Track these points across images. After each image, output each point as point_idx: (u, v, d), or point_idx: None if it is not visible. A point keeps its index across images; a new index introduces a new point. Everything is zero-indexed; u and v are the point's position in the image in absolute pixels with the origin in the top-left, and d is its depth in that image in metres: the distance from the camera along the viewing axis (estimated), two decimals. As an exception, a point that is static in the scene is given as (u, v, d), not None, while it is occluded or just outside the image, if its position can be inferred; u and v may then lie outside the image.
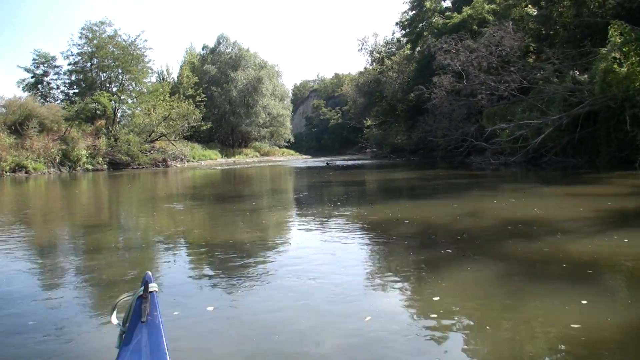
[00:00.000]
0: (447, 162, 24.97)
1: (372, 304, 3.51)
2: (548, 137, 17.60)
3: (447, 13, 34.56)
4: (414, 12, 37.86)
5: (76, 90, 37.69)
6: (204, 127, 41.17)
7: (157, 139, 36.64)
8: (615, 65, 15.82)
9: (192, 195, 13.91)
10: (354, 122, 52.90)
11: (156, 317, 1.77)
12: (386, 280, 4.18)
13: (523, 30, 23.39)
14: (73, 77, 38.24)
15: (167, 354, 1.70)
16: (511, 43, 21.19)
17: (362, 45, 48.12)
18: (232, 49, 54.05)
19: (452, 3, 37.44)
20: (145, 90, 38.81)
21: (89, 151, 30.33)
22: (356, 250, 5.46)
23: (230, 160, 44.83)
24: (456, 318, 3.22)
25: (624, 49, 15.99)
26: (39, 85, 37.57)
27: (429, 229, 6.56)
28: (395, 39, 47.62)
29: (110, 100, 34.67)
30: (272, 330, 3.07)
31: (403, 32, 40.76)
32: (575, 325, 2.93)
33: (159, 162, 34.00)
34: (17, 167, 25.26)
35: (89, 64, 37.23)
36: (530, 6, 25.34)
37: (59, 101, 36.97)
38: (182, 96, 41.59)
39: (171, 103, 38.66)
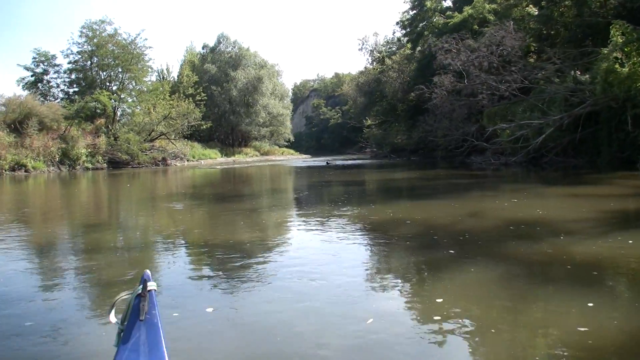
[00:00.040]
0: (448, 162, 24.92)
1: (374, 306, 3.47)
2: (549, 137, 17.55)
3: (448, 13, 34.48)
4: (414, 11, 37.79)
5: (76, 89, 37.62)
6: (204, 126, 41.10)
7: (157, 138, 36.59)
8: (617, 66, 15.76)
9: (192, 194, 13.86)
10: (354, 121, 52.79)
11: (154, 315, 1.77)
12: (388, 282, 4.14)
13: (524, 30, 23.34)
14: (73, 76, 38.18)
15: (166, 352, 1.70)
16: (512, 43, 21.14)
17: (363, 44, 48.15)
18: (232, 48, 53.97)
19: (453, 3, 37.37)
20: (145, 89, 38.74)
21: (89, 150, 30.27)
22: (357, 251, 5.41)
23: (230, 159, 44.79)
24: (460, 321, 3.17)
25: (625, 49, 15.94)
26: (39, 84, 37.52)
27: (431, 229, 6.51)
28: (395, 39, 47.59)
29: (110, 99, 34.58)
30: (272, 332, 3.02)
31: (404, 31, 40.70)
32: (582, 329, 2.87)
33: (159, 161, 33.94)
34: (16, 166, 25.21)
35: (89, 62, 37.16)
36: (531, 6, 25.30)
37: (58, 100, 36.92)
38: (182, 95, 41.51)
39: (171, 102, 38.59)
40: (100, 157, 30.77)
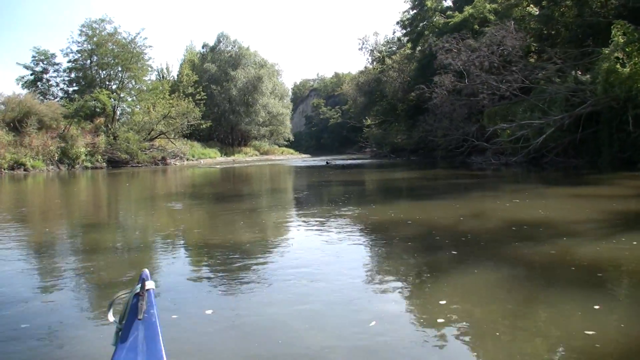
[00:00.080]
0: (448, 162, 24.87)
1: (376, 307, 3.41)
2: (549, 137, 17.50)
3: (448, 12, 34.44)
4: (414, 11, 37.72)
5: (75, 88, 37.56)
6: (204, 126, 41.05)
7: (156, 137, 36.51)
8: (618, 66, 15.72)
9: (192, 194, 13.80)
10: (353, 121, 52.72)
11: (152, 314, 1.78)
12: (390, 283, 4.08)
13: (525, 29, 23.28)
14: (72, 75, 38.11)
15: (163, 351, 1.71)
16: (513, 42, 21.09)
17: (363, 44, 48.06)
18: (232, 48, 53.90)
19: (453, 2, 37.31)
20: (145, 88, 38.70)
21: (88, 149, 30.21)
22: (358, 252, 5.35)
23: (230, 158, 44.73)
24: (464, 323, 3.12)
25: (626, 49, 15.90)
26: (38, 83, 37.48)
27: (432, 229, 6.46)
28: (396, 38, 47.47)
29: (110, 98, 34.50)
30: (274, 334, 2.97)
31: (404, 31, 40.61)
32: (589, 332, 2.82)
33: (158, 161, 33.89)
34: (15, 165, 25.17)
35: (89, 61, 37.08)
36: (531, 6, 25.24)
37: (58, 98, 36.86)
38: (181, 94, 41.44)
39: (171, 101, 38.53)
40: (100, 156, 30.72)
